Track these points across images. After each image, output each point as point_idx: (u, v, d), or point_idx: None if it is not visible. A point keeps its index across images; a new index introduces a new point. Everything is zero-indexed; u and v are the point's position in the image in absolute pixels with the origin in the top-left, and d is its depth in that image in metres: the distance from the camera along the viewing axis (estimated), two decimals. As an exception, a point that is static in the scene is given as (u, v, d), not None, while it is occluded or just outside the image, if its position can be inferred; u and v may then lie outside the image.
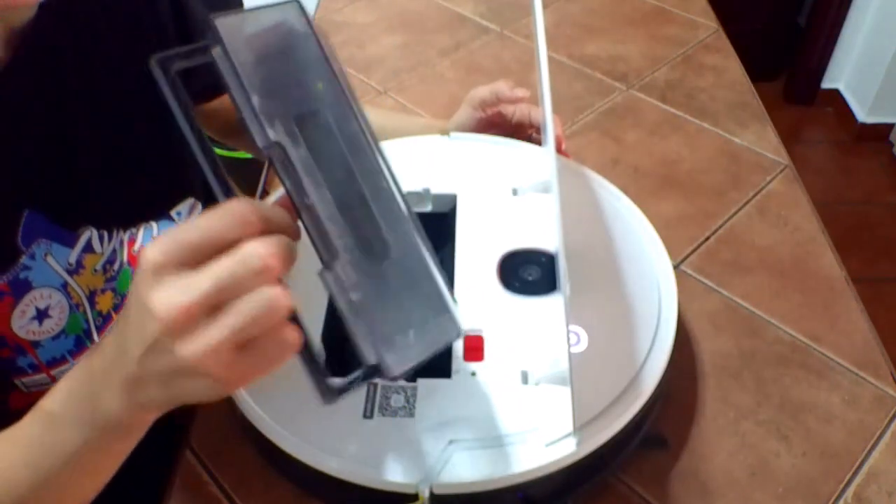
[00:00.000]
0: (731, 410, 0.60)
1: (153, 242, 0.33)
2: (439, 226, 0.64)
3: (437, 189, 0.65)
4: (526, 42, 1.09)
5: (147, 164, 0.59)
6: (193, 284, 0.32)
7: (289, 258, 0.34)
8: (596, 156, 0.87)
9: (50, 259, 0.51)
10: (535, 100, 0.66)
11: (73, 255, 0.53)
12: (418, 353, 0.36)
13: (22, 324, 0.51)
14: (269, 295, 0.32)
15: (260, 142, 0.34)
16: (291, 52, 0.36)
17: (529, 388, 0.51)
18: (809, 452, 0.57)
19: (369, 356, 0.35)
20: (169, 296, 0.32)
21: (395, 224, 0.37)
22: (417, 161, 0.69)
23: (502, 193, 0.65)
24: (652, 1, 1.18)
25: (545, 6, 1.16)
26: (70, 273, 0.53)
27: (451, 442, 0.48)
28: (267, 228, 0.34)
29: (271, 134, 0.34)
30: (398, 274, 0.37)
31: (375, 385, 0.51)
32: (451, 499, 0.47)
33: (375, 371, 0.36)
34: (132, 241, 0.59)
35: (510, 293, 0.56)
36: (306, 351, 0.35)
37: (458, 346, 0.53)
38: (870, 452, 0.57)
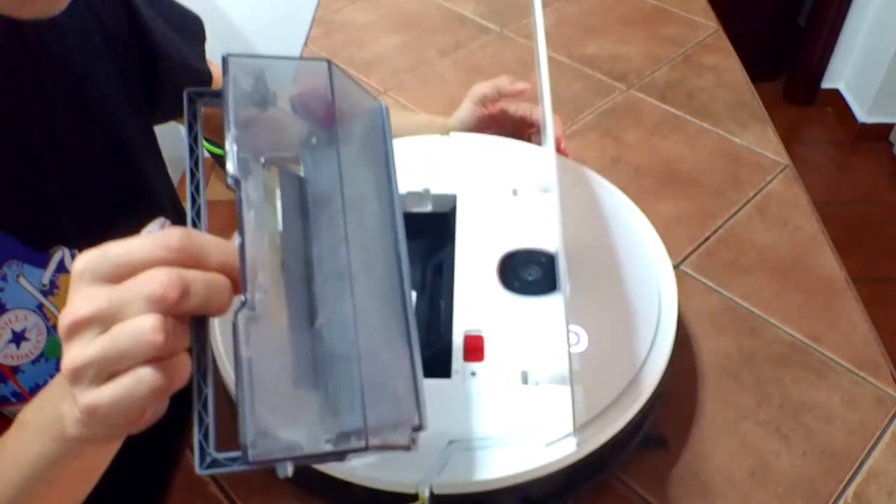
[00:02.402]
0: (731, 410, 0.60)
1: (86, 251, 0.33)
2: (439, 226, 0.64)
3: (437, 189, 0.65)
4: (526, 42, 1.09)
5: (114, 182, 0.58)
6: (92, 299, 0.32)
7: (196, 292, 0.32)
8: (596, 156, 0.87)
9: (22, 280, 0.50)
10: (536, 97, 0.66)
11: (47, 276, 0.52)
12: (292, 444, 0.32)
13: None
14: (141, 325, 0.31)
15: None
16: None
17: (529, 388, 0.51)
18: (809, 452, 0.57)
19: (240, 426, 0.30)
20: (67, 309, 0.32)
21: (340, 296, 0.34)
22: (417, 161, 0.69)
23: (502, 193, 0.65)
24: (652, 1, 1.18)
25: (545, 6, 1.16)
26: (45, 294, 0.52)
27: (451, 442, 0.48)
28: (195, 260, 0.33)
29: (231, 168, 0.34)
30: (324, 352, 0.34)
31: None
32: (451, 499, 0.46)
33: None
34: None
35: (510, 293, 0.56)
36: (202, 407, 0.32)
37: (459, 346, 0.53)
38: (870, 452, 0.57)
